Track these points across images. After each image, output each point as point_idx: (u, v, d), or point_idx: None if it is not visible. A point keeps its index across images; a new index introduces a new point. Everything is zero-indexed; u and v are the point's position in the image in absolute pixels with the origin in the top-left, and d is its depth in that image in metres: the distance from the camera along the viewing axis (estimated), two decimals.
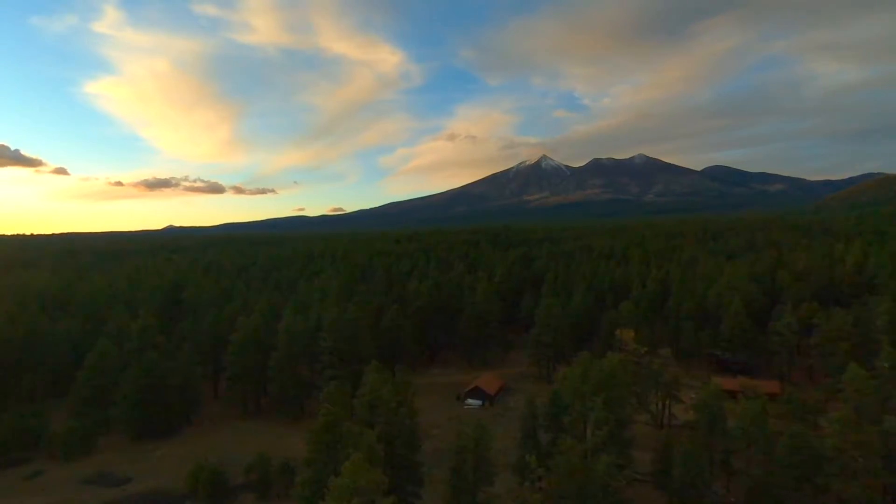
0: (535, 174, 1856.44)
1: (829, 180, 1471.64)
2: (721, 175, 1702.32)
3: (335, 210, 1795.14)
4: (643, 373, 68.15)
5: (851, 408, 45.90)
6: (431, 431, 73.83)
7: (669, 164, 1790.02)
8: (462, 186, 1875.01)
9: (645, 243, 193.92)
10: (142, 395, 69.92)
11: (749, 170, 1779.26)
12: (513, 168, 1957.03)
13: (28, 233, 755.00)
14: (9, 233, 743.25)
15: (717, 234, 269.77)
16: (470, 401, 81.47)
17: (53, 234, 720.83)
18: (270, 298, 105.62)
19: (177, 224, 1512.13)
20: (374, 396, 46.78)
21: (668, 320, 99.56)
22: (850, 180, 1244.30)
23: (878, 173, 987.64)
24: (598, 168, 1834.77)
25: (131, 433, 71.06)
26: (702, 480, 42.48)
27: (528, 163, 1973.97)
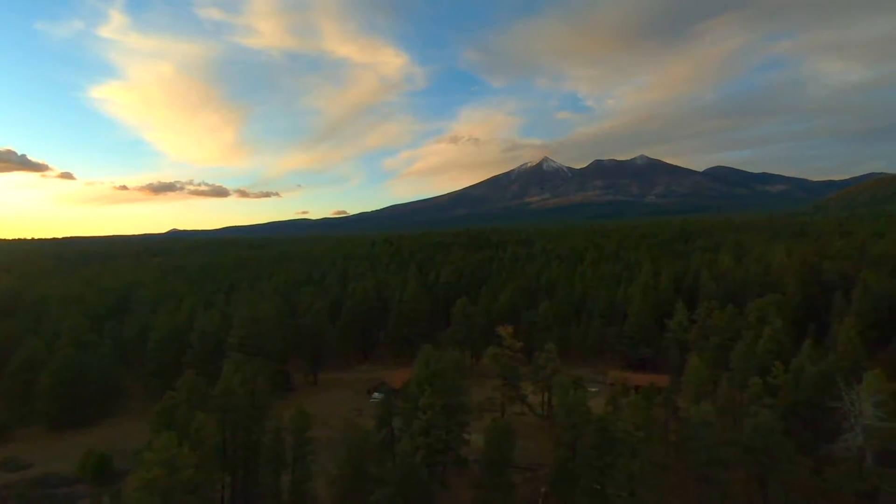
0: (537, 176, 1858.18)
1: (831, 181, 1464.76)
2: (723, 176, 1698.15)
3: (338, 213, 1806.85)
4: (520, 367, 72.83)
5: (643, 395, 50.32)
6: (330, 421, 78.89)
7: (671, 164, 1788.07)
8: (463, 189, 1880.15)
9: (604, 245, 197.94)
10: (60, 388, 75.33)
11: (752, 170, 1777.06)
12: (514, 170, 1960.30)
13: (29, 237, 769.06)
14: (14, 237, 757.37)
15: (692, 235, 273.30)
16: (376, 394, 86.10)
17: (54, 239, 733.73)
18: (209, 298, 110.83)
19: (180, 227, 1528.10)
20: (225, 386, 51.77)
21: (583, 319, 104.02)
22: (853, 180, 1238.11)
23: (881, 173, 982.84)
24: (600, 169, 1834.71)
25: (50, 424, 76.52)
26: (502, 458, 47.08)
27: (529, 165, 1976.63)
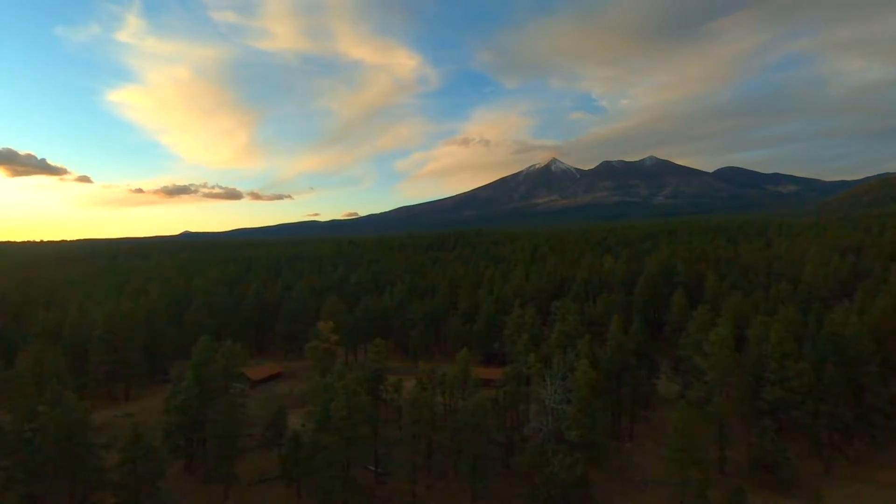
0: (545, 177, 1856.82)
1: (843, 181, 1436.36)
2: (733, 176, 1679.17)
3: (349, 214, 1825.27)
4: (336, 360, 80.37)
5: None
6: None
7: (680, 165, 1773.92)
8: (471, 190, 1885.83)
9: (538, 248, 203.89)
10: None
11: (765, 171, 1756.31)
12: (522, 171, 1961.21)
13: (41, 239, 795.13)
14: (31, 239, 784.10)
15: (648, 237, 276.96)
16: (235, 384, 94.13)
17: (63, 241, 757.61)
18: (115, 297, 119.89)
19: (193, 230, 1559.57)
20: (14, 373, 60.22)
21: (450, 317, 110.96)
22: (865, 180, 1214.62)
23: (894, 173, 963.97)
24: (608, 170, 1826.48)
25: None
26: (231, 442, 54.97)
27: (537, 166, 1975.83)
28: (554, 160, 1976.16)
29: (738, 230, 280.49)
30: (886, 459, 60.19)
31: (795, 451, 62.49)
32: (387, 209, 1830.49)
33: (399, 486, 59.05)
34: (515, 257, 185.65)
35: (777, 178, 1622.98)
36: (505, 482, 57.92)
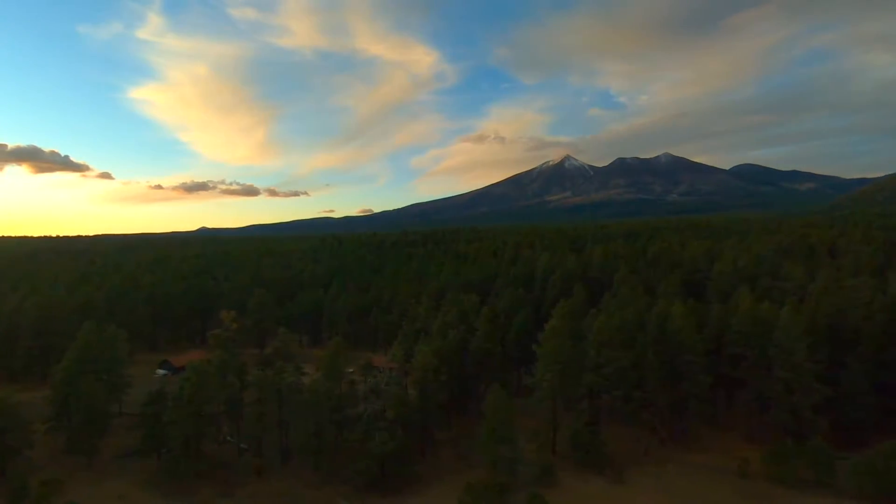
0: (558, 174, 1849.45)
1: (864, 178, 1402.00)
2: (750, 174, 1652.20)
3: (364, 211, 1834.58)
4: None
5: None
6: None
7: (696, 163, 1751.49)
8: (485, 187, 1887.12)
9: (506, 244, 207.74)
10: None
11: (783, 168, 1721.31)
12: (536, 168, 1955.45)
13: (56, 234, 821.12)
14: (52, 234, 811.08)
15: (630, 235, 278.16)
16: (159, 370, 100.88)
17: (79, 236, 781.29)
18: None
19: (209, 226, 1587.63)
20: None
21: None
22: (887, 178, 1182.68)
23: None
24: (623, 168, 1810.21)
25: None
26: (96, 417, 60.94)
27: (551, 163, 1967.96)
28: (567, 157, 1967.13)
29: (723, 228, 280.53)
30: (707, 443, 63.85)
31: (632, 435, 66.51)
32: (401, 206, 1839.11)
33: (254, 459, 64.33)
34: (476, 255, 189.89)
35: (795, 176, 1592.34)
36: (345, 458, 62.76)
